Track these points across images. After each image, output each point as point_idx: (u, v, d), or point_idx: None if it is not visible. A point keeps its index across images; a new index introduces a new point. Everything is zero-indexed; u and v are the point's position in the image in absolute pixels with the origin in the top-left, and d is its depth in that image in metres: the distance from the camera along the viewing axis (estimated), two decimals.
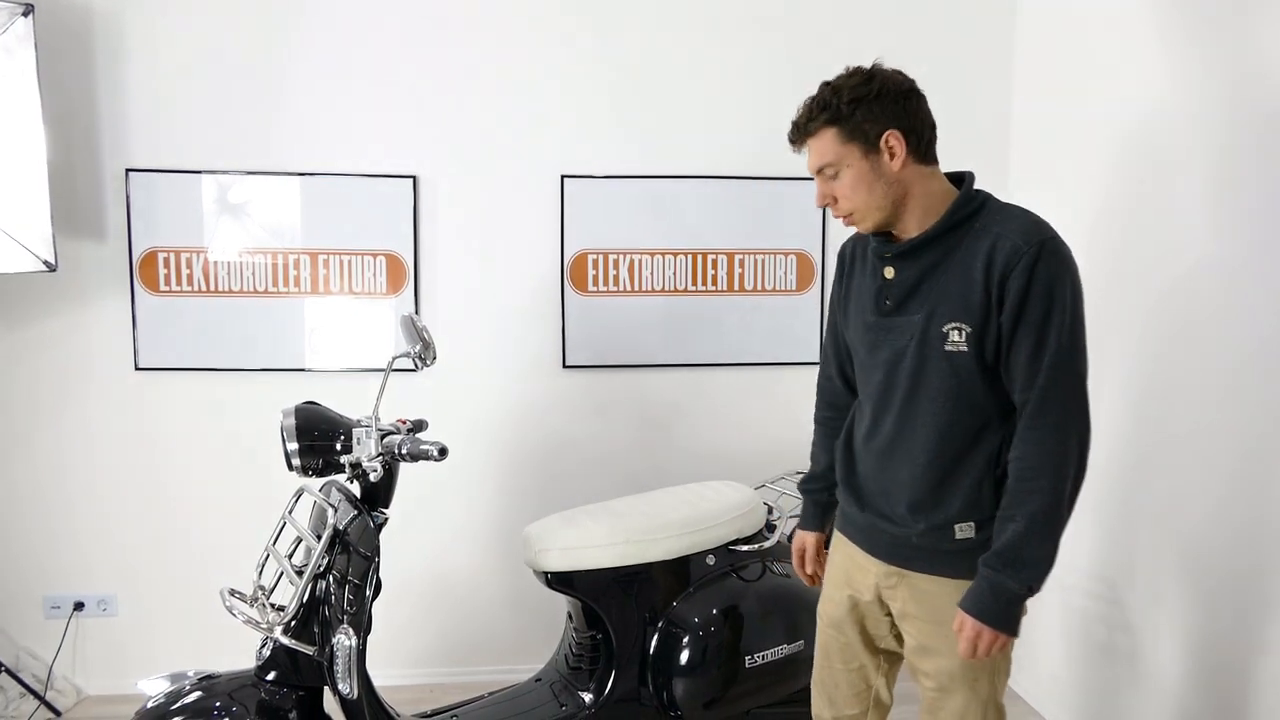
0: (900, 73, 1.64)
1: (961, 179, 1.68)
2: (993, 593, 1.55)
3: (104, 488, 2.96)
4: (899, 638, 1.79)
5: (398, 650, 3.08)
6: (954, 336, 1.58)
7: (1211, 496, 2.19)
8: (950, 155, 3.09)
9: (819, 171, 1.65)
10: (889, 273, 1.67)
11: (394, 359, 1.95)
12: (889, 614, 1.78)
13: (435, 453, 1.86)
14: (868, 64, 1.67)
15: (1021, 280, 1.52)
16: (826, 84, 1.63)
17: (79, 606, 2.98)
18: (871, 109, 1.59)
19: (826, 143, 1.61)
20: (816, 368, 3.13)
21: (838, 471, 1.85)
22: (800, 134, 1.65)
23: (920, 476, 1.65)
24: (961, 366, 1.58)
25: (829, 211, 3.06)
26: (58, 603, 2.98)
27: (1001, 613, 1.55)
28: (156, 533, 3.00)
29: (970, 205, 1.62)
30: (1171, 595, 2.34)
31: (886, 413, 1.69)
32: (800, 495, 2.02)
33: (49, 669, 2.95)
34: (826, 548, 1.98)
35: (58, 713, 2.87)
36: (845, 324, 1.82)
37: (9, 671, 2.84)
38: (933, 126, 1.66)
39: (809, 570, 1.99)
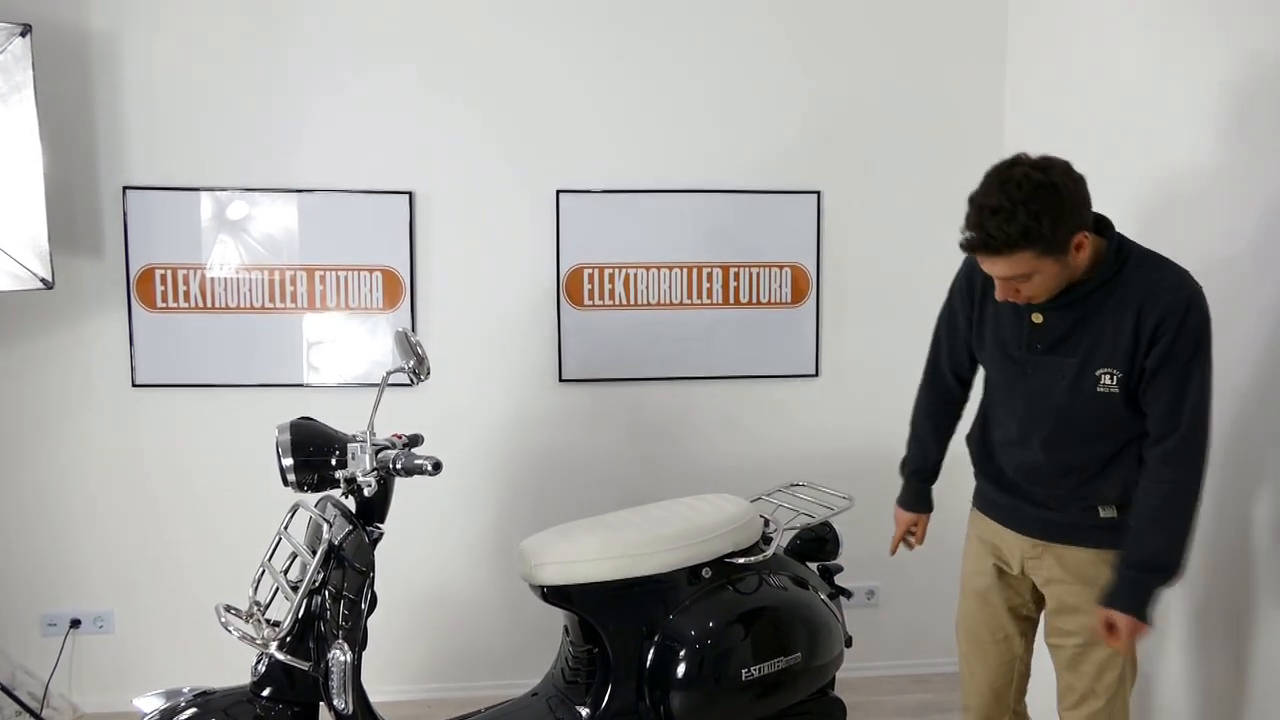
0: (1066, 165, 1.71)
1: (1100, 223, 1.81)
2: (1144, 593, 1.80)
3: (101, 505, 2.96)
4: (1038, 604, 2.04)
5: (394, 665, 3.07)
6: (1106, 380, 1.78)
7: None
8: (942, 164, 3.11)
9: (1009, 277, 1.74)
10: (1037, 318, 1.85)
11: (389, 374, 1.95)
12: (1031, 583, 2.01)
13: (429, 467, 1.86)
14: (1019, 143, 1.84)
15: (1172, 332, 1.72)
16: (1018, 198, 1.64)
17: (76, 624, 2.98)
18: (1066, 222, 1.67)
19: (1025, 260, 1.69)
20: (811, 380, 3.16)
21: (975, 461, 2.10)
22: (994, 252, 1.69)
23: (1072, 483, 1.89)
24: (1111, 403, 1.80)
25: (824, 225, 3.12)
26: (54, 620, 2.98)
27: (1149, 608, 1.80)
28: (154, 549, 2.99)
29: (1118, 259, 1.78)
30: (1168, 610, 2.35)
31: (1035, 432, 1.90)
32: (904, 478, 2.27)
33: (45, 687, 2.94)
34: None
35: None
36: (979, 345, 2.01)
37: (5, 689, 2.83)
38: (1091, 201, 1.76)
39: (915, 543, 2.27)
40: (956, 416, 2.20)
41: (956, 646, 2.21)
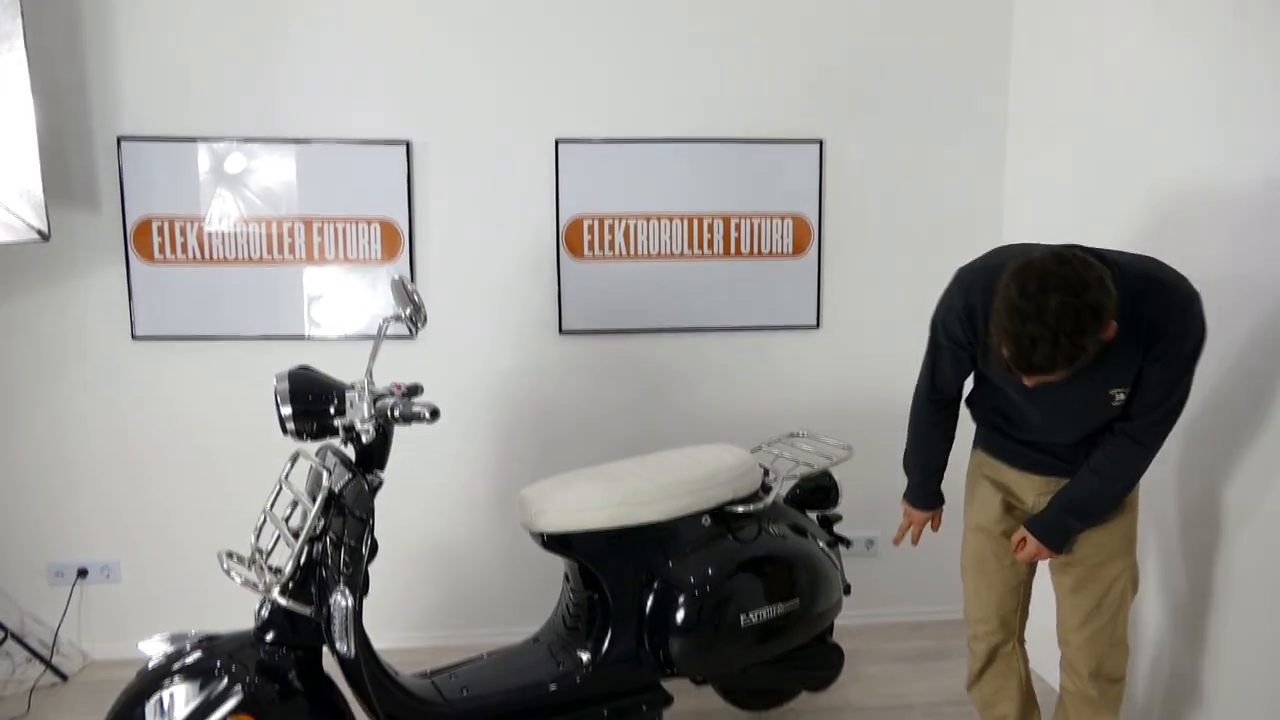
0: (1092, 270, 1.66)
1: None
2: (1060, 528, 2.00)
3: (105, 456, 2.98)
4: None
5: (400, 613, 3.12)
6: (1119, 397, 1.88)
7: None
8: (945, 112, 3.03)
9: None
10: None
11: (385, 322, 1.95)
12: None
13: (427, 414, 1.86)
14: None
15: (1174, 350, 1.81)
16: (1060, 328, 1.62)
17: (83, 573, 3.01)
18: (1104, 330, 1.68)
19: (1065, 371, 1.72)
20: (812, 331, 3.16)
21: (981, 420, 2.19)
22: (1041, 375, 1.71)
23: (1083, 451, 2.00)
24: (1119, 409, 1.91)
25: (826, 174, 3.09)
26: (61, 570, 3.01)
27: (1060, 541, 2.02)
28: (158, 500, 3.02)
29: (1124, 296, 1.72)
30: (1148, 556, 2.42)
31: (1056, 427, 2.00)
32: (909, 476, 2.29)
33: (54, 634, 2.98)
34: None
35: (64, 677, 2.91)
36: (986, 367, 2.02)
37: (15, 637, 2.88)
38: None
39: (934, 530, 2.32)
40: (958, 414, 2.21)
41: (962, 582, 2.25)
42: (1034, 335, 1.63)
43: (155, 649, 1.94)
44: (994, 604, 2.19)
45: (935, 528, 2.32)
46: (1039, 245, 1.87)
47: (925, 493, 2.26)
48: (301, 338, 2.98)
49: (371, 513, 1.91)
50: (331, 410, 1.97)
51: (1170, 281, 1.81)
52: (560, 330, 3.07)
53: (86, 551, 3.02)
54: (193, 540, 3.01)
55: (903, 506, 2.32)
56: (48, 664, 2.89)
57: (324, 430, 1.99)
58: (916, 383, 2.18)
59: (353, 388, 1.98)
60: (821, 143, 3.08)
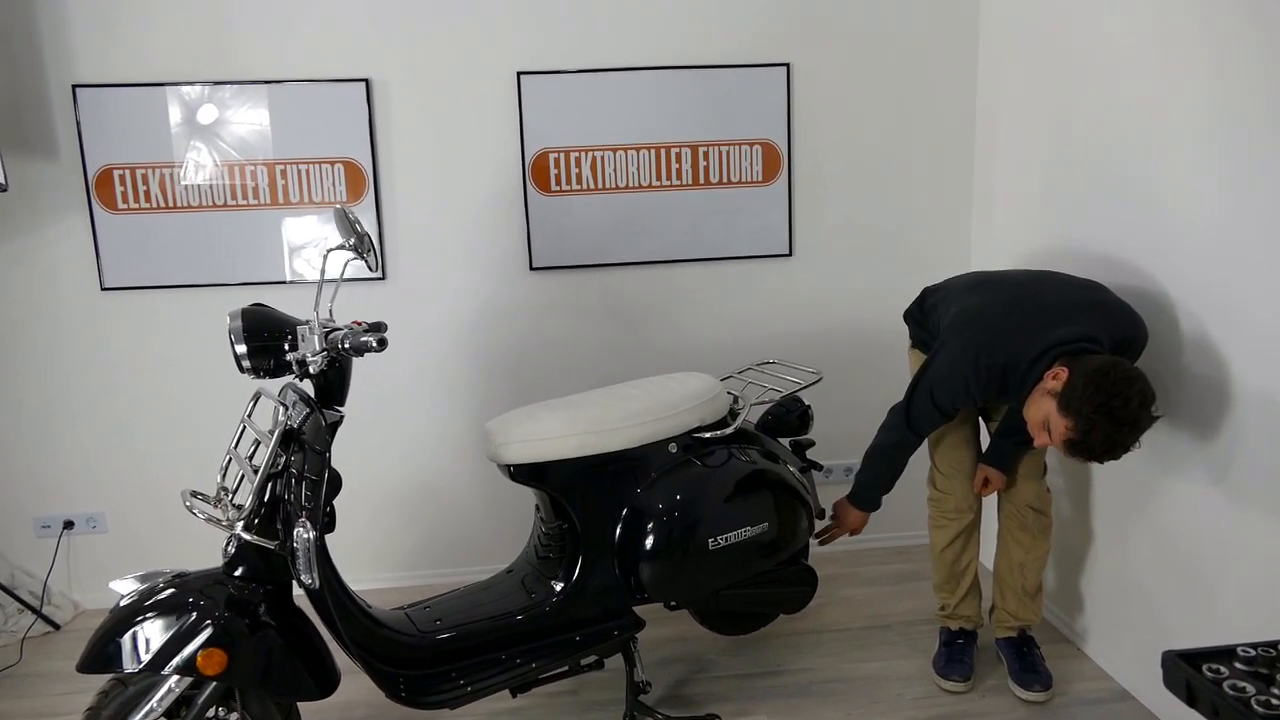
0: (1131, 369, 1.92)
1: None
2: (1013, 459, 2.41)
3: (83, 409, 2.99)
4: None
5: (384, 555, 3.15)
6: None
7: None
8: (915, 31, 2.96)
9: None
10: None
11: (329, 252, 1.94)
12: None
13: (374, 343, 1.85)
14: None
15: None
16: (1134, 440, 1.91)
17: (69, 525, 3.05)
18: None
19: None
20: (785, 259, 3.13)
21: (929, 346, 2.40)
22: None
23: None
24: None
25: (794, 99, 3.03)
26: (47, 522, 3.04)
27: (1011, 468, 2.44)
28: (140, 450, 3.04)
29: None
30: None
31: None
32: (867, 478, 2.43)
33: (44, 585, 3.02)
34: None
35: (56, 625, 2.96)
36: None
37: (4, 589, 2.92)
38: None
39: (854, 535, 2.53)
40: None
41: (935, 462, 2.48)
42: (1122, 441, 1.90)
43: (126, 587, 1.96)
44: (969, 462, 2.44)
45: (857, 532, 2.48)
46: (1005, 279, 2.27)
47: (874, 498, 2.41)
48: (275, 283, 2.97)
49: (329, 446, 1.91)
50: (285, 346, 1.96)
51: (1141, 338, 2.11)
52: (530, 266, 3.05)
53: (71, 504, 3.05)
54: (175, 488, 3.03)
55: (840, 510, 2.45)
56: (39, 614, 2.94)
57: (282, 368, 1.98)
58: (894, 417, 2.29)
59: (306, 323, 1.97)
60: (789, 66, 3.02)
